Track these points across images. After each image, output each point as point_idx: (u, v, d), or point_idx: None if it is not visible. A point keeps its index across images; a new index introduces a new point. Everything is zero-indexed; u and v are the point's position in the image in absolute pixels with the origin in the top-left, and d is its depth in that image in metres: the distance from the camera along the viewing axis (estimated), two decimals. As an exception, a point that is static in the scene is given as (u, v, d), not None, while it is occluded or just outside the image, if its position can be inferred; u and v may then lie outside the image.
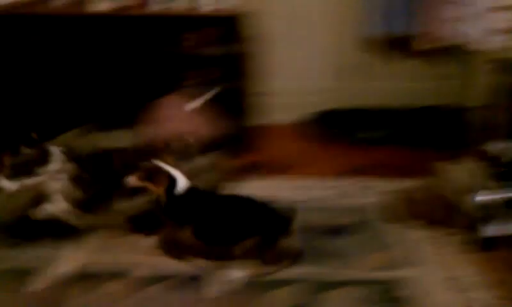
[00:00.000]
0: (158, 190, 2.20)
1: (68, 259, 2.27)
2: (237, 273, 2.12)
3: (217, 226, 2.21)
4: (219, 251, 2.23)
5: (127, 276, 2.16)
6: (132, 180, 2.21)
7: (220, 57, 3.27)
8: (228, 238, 2.20)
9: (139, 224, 2.46)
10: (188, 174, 2.25)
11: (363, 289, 2.10)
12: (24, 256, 2.31)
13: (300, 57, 3.91)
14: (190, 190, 2.21)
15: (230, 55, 3.28)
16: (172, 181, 2.19)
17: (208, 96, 3.17)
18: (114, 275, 2.17)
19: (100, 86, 3.37)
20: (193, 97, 3.09)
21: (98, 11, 3.24)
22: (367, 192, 2.89)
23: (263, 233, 2.13)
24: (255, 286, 2.09)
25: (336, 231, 2.50)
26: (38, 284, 2.11)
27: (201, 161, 2.78)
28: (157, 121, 2.91)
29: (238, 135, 3.30)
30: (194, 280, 2.14)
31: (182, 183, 2.21)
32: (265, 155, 3.31)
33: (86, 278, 2.15)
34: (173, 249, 2.27)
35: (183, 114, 3.01)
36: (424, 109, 3.69)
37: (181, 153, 2.68)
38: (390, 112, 3.79)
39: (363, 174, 3.09)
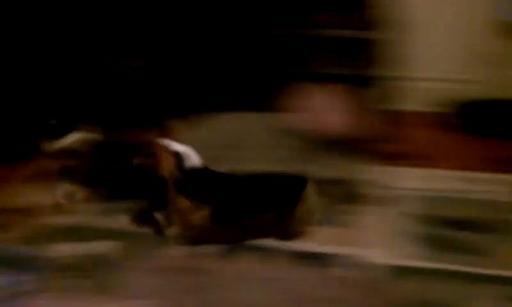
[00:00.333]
0: (164, 166, 2.20)
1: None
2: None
3: (234, 205, 2.22)
4: (236, 231, 2.22)
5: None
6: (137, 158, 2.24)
7: (356, 41, 3.23)
8: (245, 215, 2.20)
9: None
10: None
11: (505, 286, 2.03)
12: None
13: (440, 44, 3.78)
14: (204, 168, 2.24)
15: (367, 40, 3.24)
16: (179, 157, 2.20)
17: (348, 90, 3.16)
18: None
19: (227, 67, 3.44)
20: (332, 89, 3.09)
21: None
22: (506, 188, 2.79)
23: (279, 206, 2.15)
24: (383, 272, 2.07)
25: (472, 225, 2.44)
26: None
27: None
28: (299, 109, 2.90)
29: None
30: (316, 258, 2.16)
31: (194, 159, 2.22)
32: (403, 143, 3.23)
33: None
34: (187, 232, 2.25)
35: (325, 105, 2.99)
36: None
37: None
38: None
39: (502, 169, 2.97)
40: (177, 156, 2.21)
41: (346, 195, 2.49)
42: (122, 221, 2.29)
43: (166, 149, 2.22)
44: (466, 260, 2.17)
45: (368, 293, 1.95)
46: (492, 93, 3.70)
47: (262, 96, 3.18)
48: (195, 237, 2.19)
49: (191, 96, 3.39)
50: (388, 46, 3.42)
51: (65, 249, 2.18)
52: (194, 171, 2.22)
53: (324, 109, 2.98)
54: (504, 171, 2.94)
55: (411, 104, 3.73)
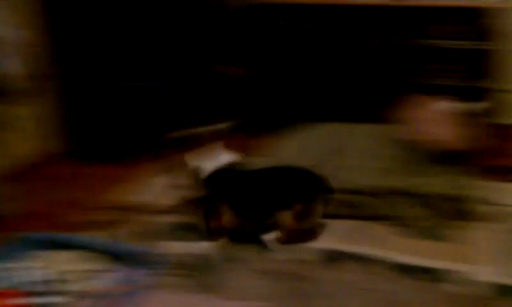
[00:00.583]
0: None
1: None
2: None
3: (255, 200, 2.29)
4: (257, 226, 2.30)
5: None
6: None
7: (466, 52, 3.15)
8: (267, 210, 2.27)
9: None
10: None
11: None
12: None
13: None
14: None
15: (476, 50, 3.15)
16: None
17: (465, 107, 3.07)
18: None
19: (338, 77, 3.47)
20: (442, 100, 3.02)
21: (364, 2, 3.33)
22: None
23: (301, 200, 2.21)
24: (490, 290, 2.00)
25: None
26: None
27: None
28: (410, 121, 2.87)
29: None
30: (421, 272, 2.11)
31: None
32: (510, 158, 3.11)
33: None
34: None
35: (435, 117, 2.93)
36: None
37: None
38: None
39: None
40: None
41: (455, 210, 2.42)
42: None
43: None
44: None
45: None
46: None
47: (373, 106, 3.20)
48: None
49: (302, 105, 3.47)
50: (499, 57, 3.29)
51: (175, 247, 2.29)
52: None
53: (433, 120, 2.91)
54: None
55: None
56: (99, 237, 2.33)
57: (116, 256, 2.13)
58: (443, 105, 2.93)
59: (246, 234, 2.31)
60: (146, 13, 3.22)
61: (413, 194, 2.45)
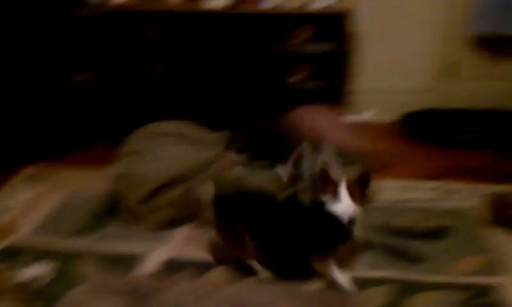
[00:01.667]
0: None
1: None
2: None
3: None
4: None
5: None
6: None
7: (321, 54, 3.25)
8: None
9: None
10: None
11: (452, 293, 2.04)
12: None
13: (399, 55, 3.76)
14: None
15: (331, 52, 3.25)
16: None
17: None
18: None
19: (206, 86, 3.46)
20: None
21: (213, 9, 3.31)
22: (456, 196, 2.80)
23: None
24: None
25: (426, 233, 2.45)
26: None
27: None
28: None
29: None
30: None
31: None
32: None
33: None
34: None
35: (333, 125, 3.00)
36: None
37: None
38: (489, 113, 3.62)
39: (454, 177, 2.99)
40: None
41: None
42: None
43: None
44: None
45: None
46: (456, 103, 3.71)
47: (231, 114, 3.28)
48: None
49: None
50: (348, 59, 3.43)
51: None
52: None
53: (335, 127, 2.99)
54: (454, 179, 2.96)
55: (369, 115, 3.76)
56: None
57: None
58: (338, 113, 3.08)
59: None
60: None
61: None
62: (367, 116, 3.54)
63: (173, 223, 2.50)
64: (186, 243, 2.40)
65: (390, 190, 2.82)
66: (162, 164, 2.55)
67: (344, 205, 1.95)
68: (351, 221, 1.97)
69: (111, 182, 2.63)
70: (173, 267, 2.22)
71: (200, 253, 2.29)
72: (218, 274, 2.16)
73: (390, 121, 3.77)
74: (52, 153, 3.29)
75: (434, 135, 3.52)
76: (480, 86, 3.72)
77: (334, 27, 3.21)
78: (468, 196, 2.77)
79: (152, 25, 3.32)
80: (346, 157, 2.81)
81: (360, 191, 1.96)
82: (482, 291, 2.05)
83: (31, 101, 3.32)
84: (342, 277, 2.03)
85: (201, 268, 2.19)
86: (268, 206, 2.12)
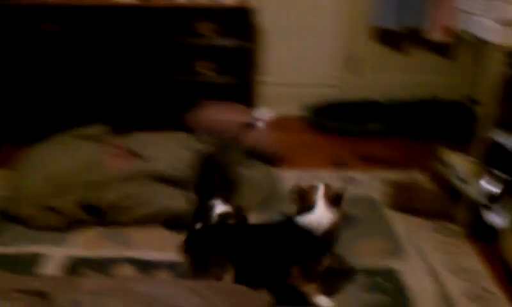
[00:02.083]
0: None
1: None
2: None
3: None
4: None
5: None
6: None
7: (227, 49, 3.26)
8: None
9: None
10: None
11: (356, 278, 2.12)
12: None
13: (305, 49, 3.85)
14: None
15: (237, 48, 3.26)
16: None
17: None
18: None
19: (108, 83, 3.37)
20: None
21: (120, 2, 3.24)
22: (360, 184, 2.91)
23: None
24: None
25: None
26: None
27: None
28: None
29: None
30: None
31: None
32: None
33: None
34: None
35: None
36: (430, 102, 3.64)
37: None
38: (393, 104, 3.75)
39: (359, 166, 3.11)
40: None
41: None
42: None
43: None
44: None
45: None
46: (361, 94, 3.85)
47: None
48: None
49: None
50: (254, 54, 3.47)
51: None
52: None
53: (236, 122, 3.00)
54: (353, 168, 3.08)
55: (278, 108, 3.82)
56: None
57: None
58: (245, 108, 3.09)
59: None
60: None
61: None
62: (268, 113, 3.60)
63: (75, 224, 2.43)
64: (89, 243, 2.35)
65: (294, 179, 2.88)
66: (58, 167, 2.51)
67: (318, 216, 1.91)
68: (329, 232, 1.92)
69: (9, 185, 2.54)
70: (75, 267, 2.16)
71: (104, 251, 2.25)
72: (124, 270, 2.14)
73: (297, 114, 3.84)
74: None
75: (339, 126, 3.61)
76: (384, 78, 3.86)
77: (240, 22, 3.23)
78: (372, 184, 2.88)
79: (51, 19, 3.19)
80: (252, 153, 2.86)
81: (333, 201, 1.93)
82: (385, 276, 2.14)
83: None
84: (324, 300, 2.00)
85: (104, 266, 2.16)
86: (242, 231, 2.10)
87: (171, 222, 2.42)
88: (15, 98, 3.34)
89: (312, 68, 3.89)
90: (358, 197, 2.74)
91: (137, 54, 3.29)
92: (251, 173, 2.73)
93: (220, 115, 2.99)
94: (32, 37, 3.23)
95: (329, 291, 2.01)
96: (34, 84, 3.32)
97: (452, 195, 2.49)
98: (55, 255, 2.24)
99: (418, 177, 2.87)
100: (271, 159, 2.98)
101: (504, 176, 2.30)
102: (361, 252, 2.28)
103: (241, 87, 3.36)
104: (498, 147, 2.34)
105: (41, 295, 1.85)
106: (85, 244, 2.34)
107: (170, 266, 2.17)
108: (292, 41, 3.79)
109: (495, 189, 2.26)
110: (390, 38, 3.76)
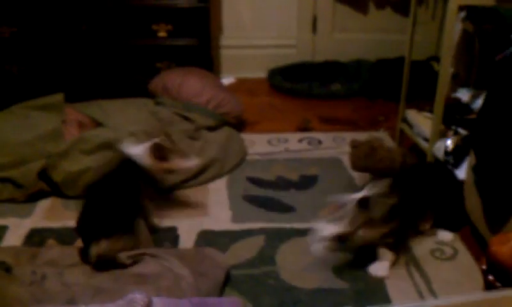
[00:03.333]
0: None
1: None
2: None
3: None
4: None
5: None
6: None
7: (184, 10, 3.20)
8: None
9: None
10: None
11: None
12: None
13: (265, 9, 3.82)
14: None
15: (194, 9, 3.22)
16: None
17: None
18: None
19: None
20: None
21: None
22: (324, 145, 2.92)
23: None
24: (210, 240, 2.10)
25: (295, 183, 2.53)
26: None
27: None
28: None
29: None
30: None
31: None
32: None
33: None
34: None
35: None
36: (391, 61, 3.65)
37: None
38: (357, 64, 3.76)
39: (321, 128, 3.12)
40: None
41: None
42: None
43: None
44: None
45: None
46: (325, 56, 3.84)
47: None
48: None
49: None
50: (211, 16, 3.41)
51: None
52: None
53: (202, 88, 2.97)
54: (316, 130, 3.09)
55: (242, 71, 3.79)
56: None
57: None
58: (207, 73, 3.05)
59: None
60: None
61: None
62: (228, 79, 3.57)
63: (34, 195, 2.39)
64: (48, 214, 2.31)
65: (260, 143, 2.90)
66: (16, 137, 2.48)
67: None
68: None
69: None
70: (35, 238, 2.12)
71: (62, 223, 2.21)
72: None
73: (259, 77, 3.82)
74: None
75: (303, 89, 3.60)
76: (347, 39, 3.87)
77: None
78: (334, 145, 2.90)
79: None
80: (218, 118, 2.84)
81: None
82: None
83: None
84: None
85: (64, 237, 2.11)
86: None
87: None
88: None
89: (273, 29, 3.86)
90: (320, 158, 2.75)
91: (95, 18, 3.21)
92: (216, 136, 2.72)
93: (183, 79, 2.94)
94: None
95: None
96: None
97: (418, 154, 2.51)
98: (17, 226, 2.19)
99: (383, 137, 2.90)
100: (235, 123, 2.96)
101: (463, 132, 2.34)
102: (322, 214, 2.24)
103: (201, 49, 3.31)
104: (459, 104, 2.37)
105: (2, 265, 1.83)
106: (47, 215, 2.29)
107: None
108: (252, 1, 3.75)
109: (450, 145, 2.29)
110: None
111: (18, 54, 3.22)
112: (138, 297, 1.34)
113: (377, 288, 1.87)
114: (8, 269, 1.82)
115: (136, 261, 1.79)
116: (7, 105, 2.81)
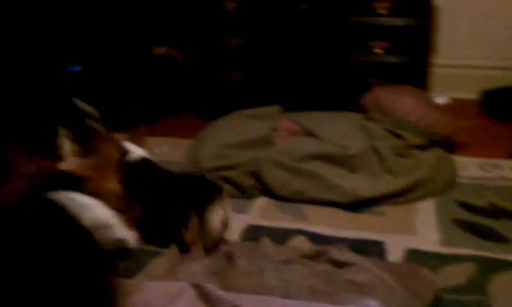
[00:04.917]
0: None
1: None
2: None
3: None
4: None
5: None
6: None
7: (404, 28, 3.22)
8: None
9: None
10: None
11: None
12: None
13: (481, 27, 3.65)
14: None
15: (411, 26, 3.22)
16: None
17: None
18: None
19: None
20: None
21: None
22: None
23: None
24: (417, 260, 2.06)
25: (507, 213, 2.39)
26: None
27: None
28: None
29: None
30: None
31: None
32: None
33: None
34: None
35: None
36: None
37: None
38: None
39: None
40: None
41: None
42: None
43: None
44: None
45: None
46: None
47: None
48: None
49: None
50: (429, 33, 3.34)
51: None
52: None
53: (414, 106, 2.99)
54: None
55: (454, 91, 3.64)
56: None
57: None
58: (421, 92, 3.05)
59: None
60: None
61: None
62: (441, 98, 3.47)
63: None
64: (262, 212, 2.48)
65: (470, 167, 2.79)
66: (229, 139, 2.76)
67: None
68: None
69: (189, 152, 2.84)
70: (251, 234, 2.29)
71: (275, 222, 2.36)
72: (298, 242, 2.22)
73: (471, 98, 3.67)
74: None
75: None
76: None
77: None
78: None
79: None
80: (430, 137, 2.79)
81: None
82: None
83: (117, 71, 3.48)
84: None
85: (277, 236, 2.25)
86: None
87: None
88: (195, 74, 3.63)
89: (490, 49, 3.68)
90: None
91: (311, 33, 3.36)
92: (427, 155, 2.68)
93: (396, 97, 2.95)
94: (212, 15, 3.45)
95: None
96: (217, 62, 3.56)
97: None
98: (236, 221, 2.35)
99: None
100: (446, 143, 2.88)
101: None
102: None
103: (414, 67, 3.29)
104: None
105: (227, 256, 2.02)
106: (261, 213, 2.47)
107: (342, 241, 2.19)
108: (467, 20, 3.62)
109: None
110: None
111: (243, 64, 3.51)
112: (373, 304, 1.39)
113: None
114: (230, 259, 2.01)
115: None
116: (228, 112, 3.09)
